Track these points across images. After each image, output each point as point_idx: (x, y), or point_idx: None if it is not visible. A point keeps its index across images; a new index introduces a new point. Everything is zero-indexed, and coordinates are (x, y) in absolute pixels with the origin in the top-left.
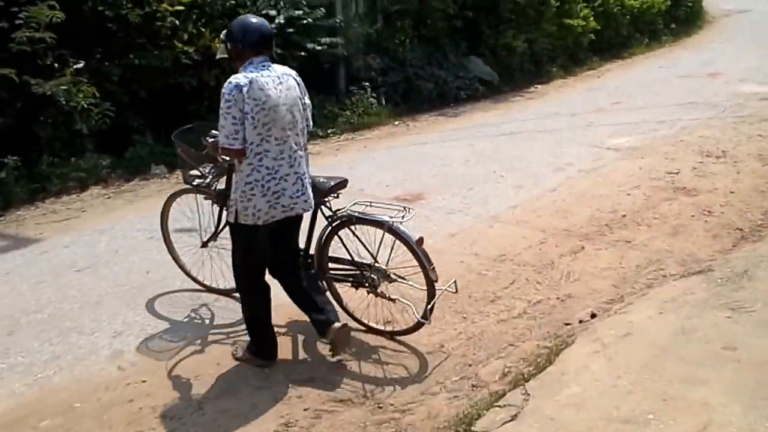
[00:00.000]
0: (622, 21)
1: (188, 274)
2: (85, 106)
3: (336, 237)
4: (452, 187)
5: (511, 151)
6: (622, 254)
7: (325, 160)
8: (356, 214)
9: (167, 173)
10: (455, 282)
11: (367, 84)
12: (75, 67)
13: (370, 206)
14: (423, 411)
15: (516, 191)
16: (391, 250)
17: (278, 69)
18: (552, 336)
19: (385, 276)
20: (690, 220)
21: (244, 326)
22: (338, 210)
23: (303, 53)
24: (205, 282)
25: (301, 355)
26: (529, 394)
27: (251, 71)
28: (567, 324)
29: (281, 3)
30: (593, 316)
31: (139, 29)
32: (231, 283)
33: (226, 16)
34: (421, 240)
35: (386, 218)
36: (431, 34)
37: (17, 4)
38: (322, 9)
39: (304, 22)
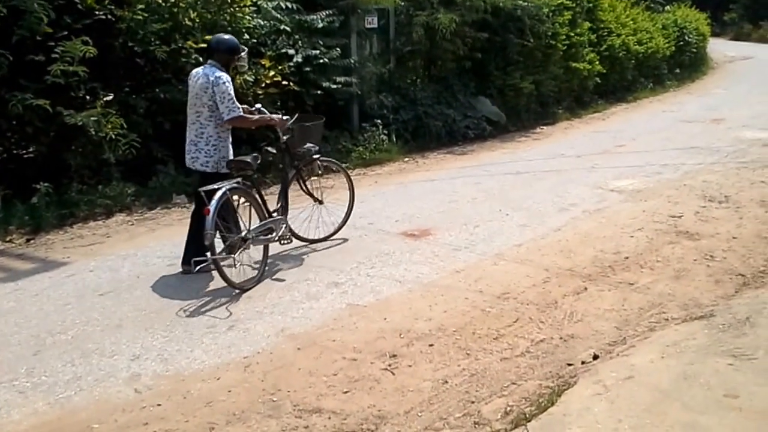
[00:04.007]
0: (627, 65)
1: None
2: (113, 136)
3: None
4: (459, 224)
5: (517, 190)
6: (624, 296)
7: (338, 194)
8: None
9: (188, 203)
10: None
11: (379, 121)
12: (105, 99)
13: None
14: None
15: (521, 230)
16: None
17: (203, 69)
18: (554, 376)
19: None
20: (692, 264)
21: (259, 354)
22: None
23: (319, 91)
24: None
25: (311, 382)
26: None
27: (200, 68)
28: (569, 364)
29: (299, 43)
30: (595, 357)
31: (165, 65)
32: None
33: (248, 54)
34: (206, 210)
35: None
36: (441, 74)
37: (53, 39)
38: (338, 49)
39: (321, 61)
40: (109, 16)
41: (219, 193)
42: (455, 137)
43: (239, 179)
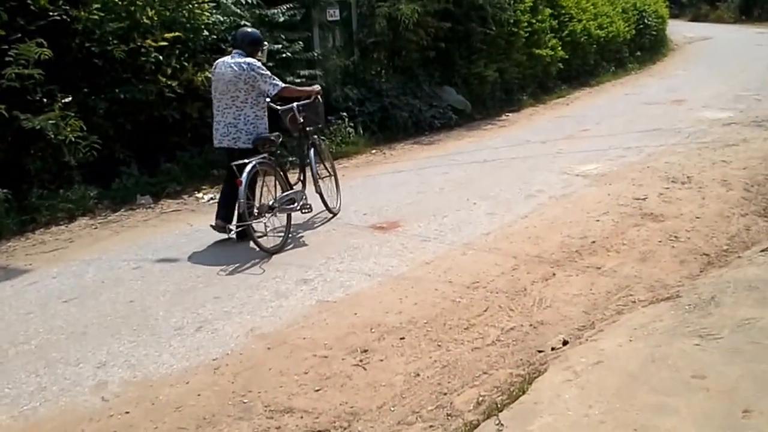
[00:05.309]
0: (589, 50)
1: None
2: (73, 139)
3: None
4: (427, 214)
5: (484, 179)
6: (592, 280)
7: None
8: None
9: (152, 203)
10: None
11: (345, 114)
12: (63, 101)
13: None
14: None
15: (489, 218)
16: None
17: (234, 59)
18: (525, 363)
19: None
20: (657, 245)
21: (228, 356)
22: None
23: None
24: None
25: (282, 382)
26: (502, 425)
27: (226, 58)
28: (540, 351)
29: None
30: (565, 343)
31: (125, 64)
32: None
33: (208, 51)
34: (239, 182)
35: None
36: (406, 65)
37: (6, 42)
38: (300, 43)
39: (284, 55)
40: (64, 17)
41: (249, 167)
42: (422, 127)
43: (265, 155)
